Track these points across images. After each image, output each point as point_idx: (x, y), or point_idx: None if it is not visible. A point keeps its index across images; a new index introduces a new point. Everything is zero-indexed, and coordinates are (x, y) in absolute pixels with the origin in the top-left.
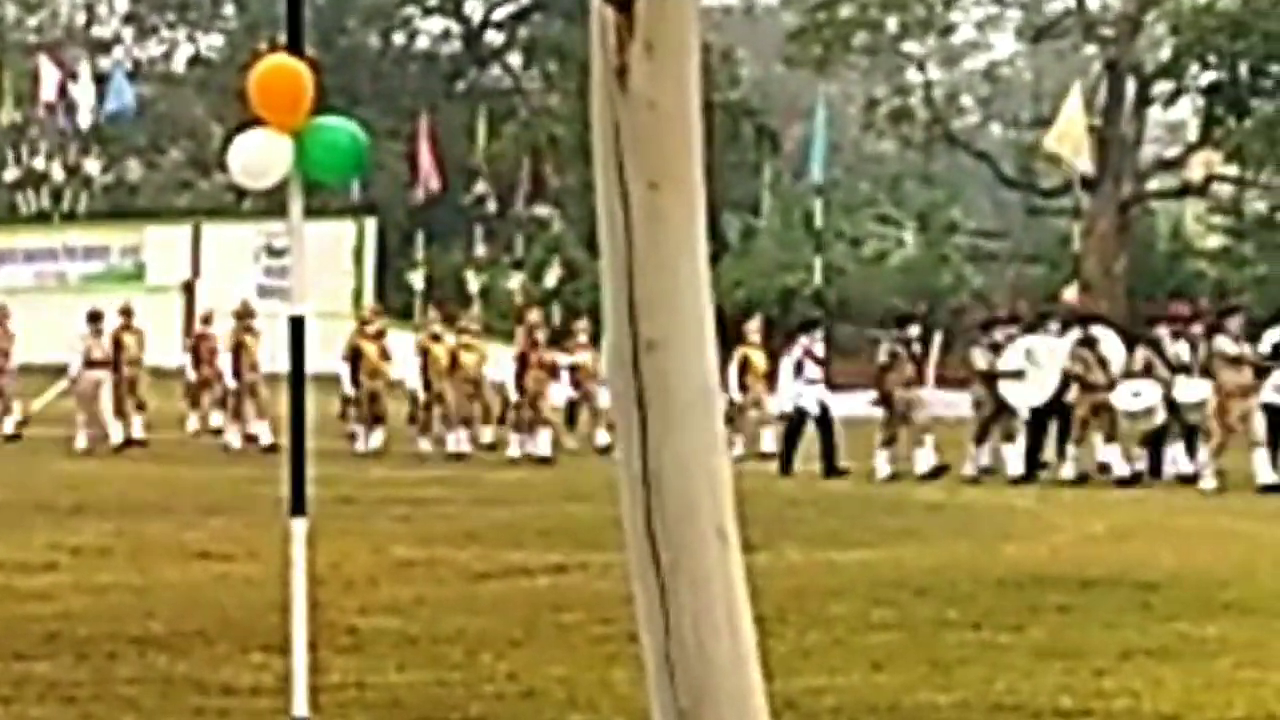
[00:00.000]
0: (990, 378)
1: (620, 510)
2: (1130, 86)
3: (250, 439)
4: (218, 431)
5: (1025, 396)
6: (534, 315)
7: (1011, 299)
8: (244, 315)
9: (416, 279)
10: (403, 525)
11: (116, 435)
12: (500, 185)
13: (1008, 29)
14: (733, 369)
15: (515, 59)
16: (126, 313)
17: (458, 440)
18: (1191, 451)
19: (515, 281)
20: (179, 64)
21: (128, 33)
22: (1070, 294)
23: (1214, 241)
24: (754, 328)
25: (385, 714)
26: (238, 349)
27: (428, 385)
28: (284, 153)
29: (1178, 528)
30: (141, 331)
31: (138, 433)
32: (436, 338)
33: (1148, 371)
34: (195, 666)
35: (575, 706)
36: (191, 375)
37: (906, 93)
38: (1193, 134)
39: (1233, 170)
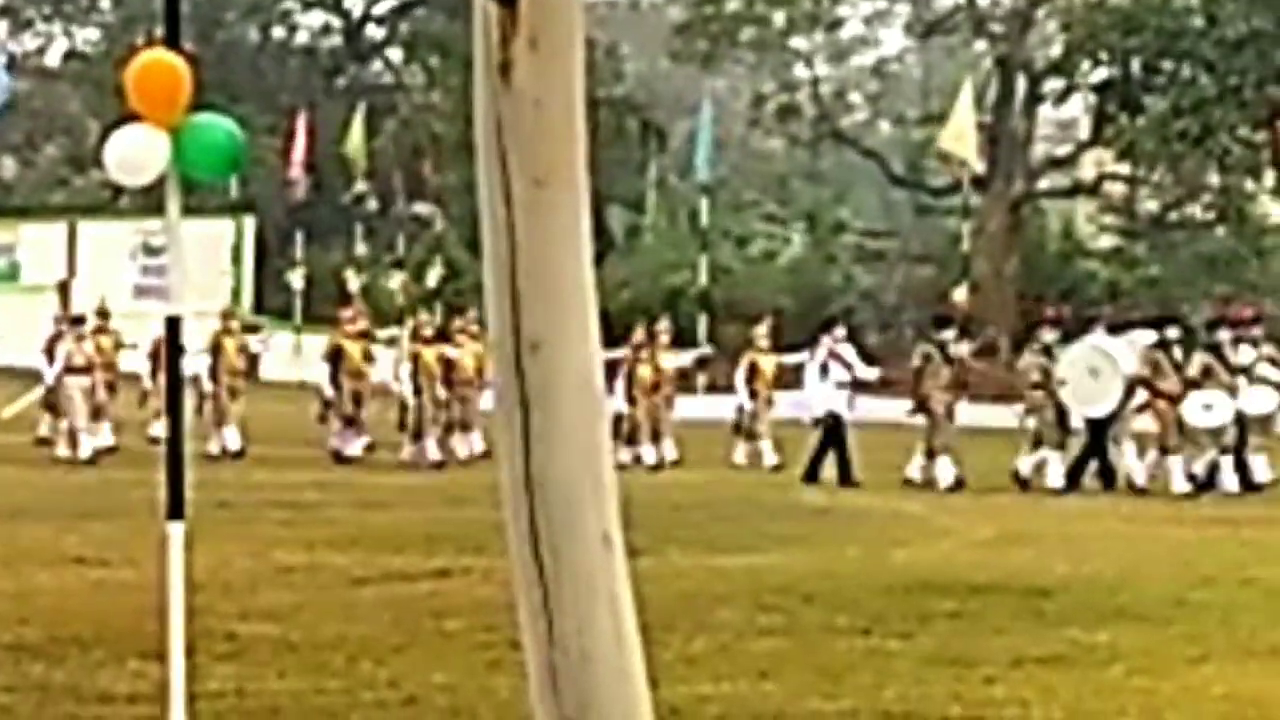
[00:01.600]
0: (1037, 385)
1: (504, 514)
2: (1021, 84)
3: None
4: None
5: (1087, 405)
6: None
7: (900, 299)
8: (100, 315)
9: (296, 278)
10: (283, 529)
11: (89, 444)
12: (381, 183)
13: (896, 25)
14: (740, 375)
15: (396, 54)
16: (103, 314)
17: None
18: (1242, 465)
19: (396, 281)
20: (54, 58)
21: (2, 26)
22: (960, 294)
23: (1106, 241)
24: (762, 331)
25: None
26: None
27: (418, 391)
28: (161, 149)
29: (1069, 533)
30: (118, 332)
31: (108, 439)
32: (429, 340)
33: (1207, 376)
34: (71, 674)
35: (457, 714)
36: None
37: (794, 89)
38: (1084, 132)
39: (1125, 169)
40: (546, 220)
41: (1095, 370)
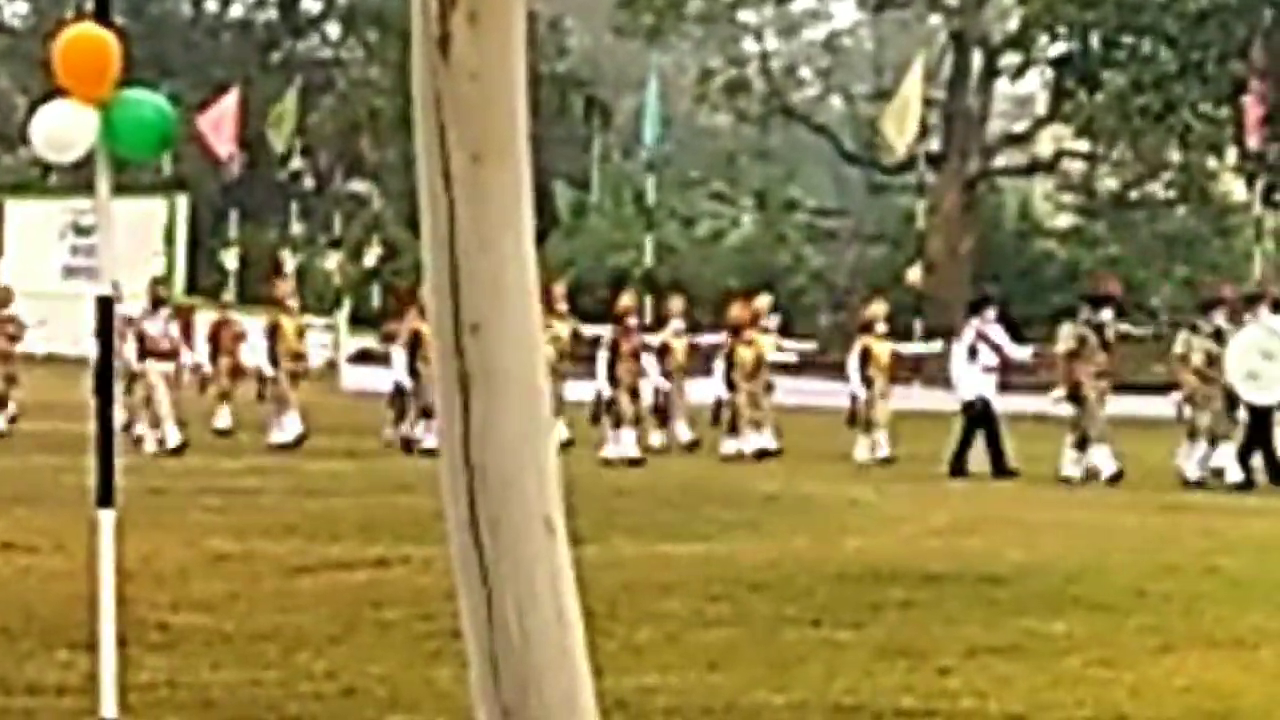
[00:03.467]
0: (1201, 372)
1: (443, 501)
2: (976, 58)
3: None
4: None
5: (1259, 391)
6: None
7: (852, 279)
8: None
9: (230, 258)
10: (217, 517)
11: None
12: (317, 160)
13: None
14: (853, 361)
15: (333, 28)
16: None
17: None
18: None
19: (333, 261)
20: None
21: None
22: (914, 275)
23: (1064, 220)
24: (879, 312)
25: (198, 714)
26: None
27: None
28: (89, 126)
29: (1025, 520)
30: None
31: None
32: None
33: None
34: None
35: (396, 706)
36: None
37: (742, 64)
38: (1041, 108)
39: (1083, 146)
40: (487, 198)
41: (1269, 354)
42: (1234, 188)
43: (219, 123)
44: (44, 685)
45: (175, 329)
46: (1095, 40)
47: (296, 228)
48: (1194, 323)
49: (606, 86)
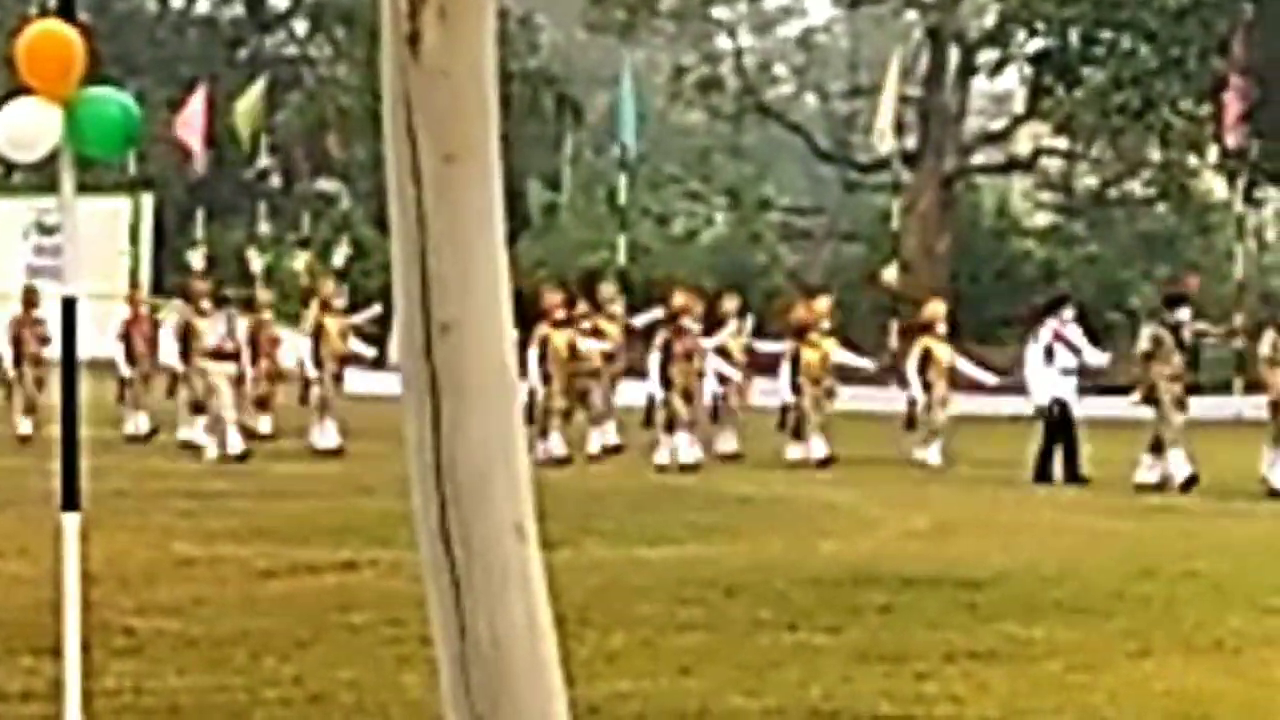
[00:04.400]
0: None
1: (412, 504)
2: (953, 55)
3: None
4: None
5: None
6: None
7: (827, 279)
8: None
9: (196, 258)
10: (183, 520)
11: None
12: (285, 159)
13: None
14: (912, 363)
15: (301, 25)
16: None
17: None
18: None
19: (301, 261)
20: None
21: None
22: (889, 274)
23: (1042, 219)
24: (939, 312)
25: None
26: None
27: (546, 379)
28: (53, 124)
29: (1004, 523)
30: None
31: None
32: (559, 324)
33: None
34: None
35: (364, 712)
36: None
37: (716, 61)
38: (1019, 105)
39: (1062, 143)
40: (457, 197)
41: None
42: (1214, 185)
43: (191, 121)
44: (8, 692)
45: (242, 329)
46: (1074, 36)
47: (264, 227)
48: None
49: (578, 84)
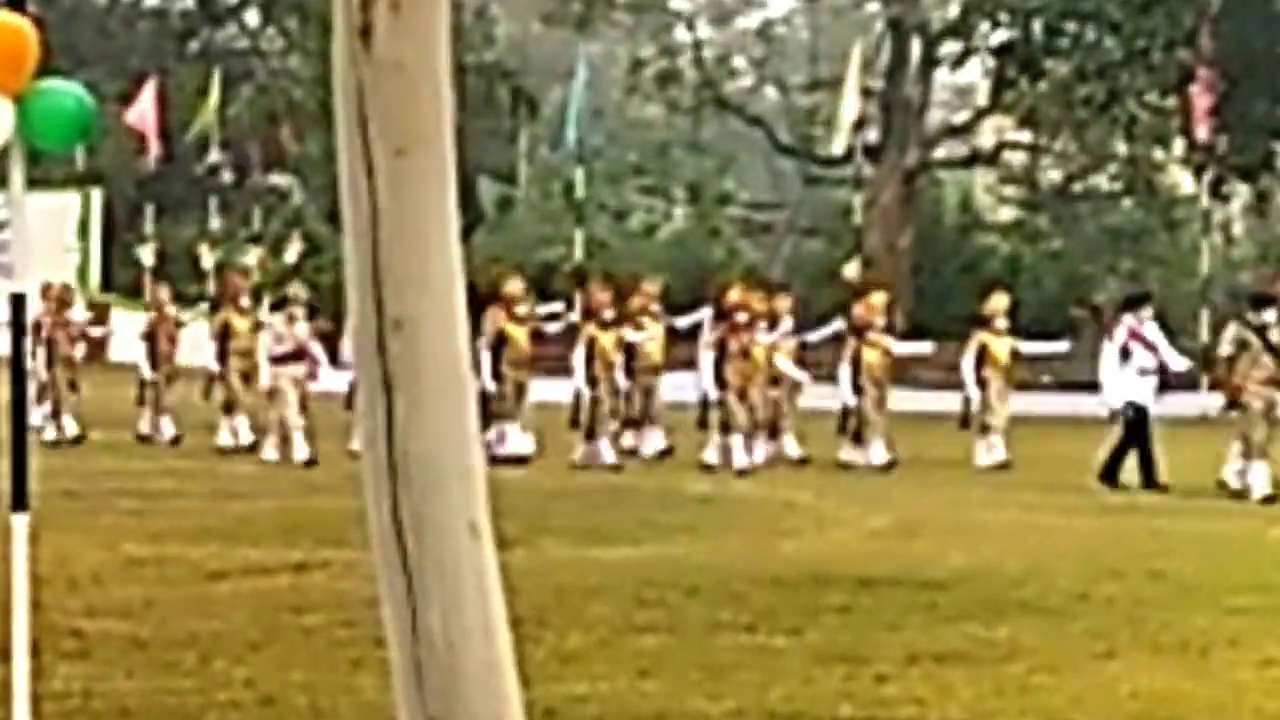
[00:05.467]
0: None
1: (365, 504)
2: (915, 47)
3: None
4: None
5: None
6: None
7: (788, 274)
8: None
9: (146, 254)
10: (132, 520)
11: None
12: (236, 153)
13: None
14: (968, 360)
15: (252, 17)
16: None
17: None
18: None
19: (252, 257)
20: None
21: None
22: (851, 270)
23: (1006, 214)
24: (1000, 306)
25: None
26: None
27: (593, 381)
28: (4, 117)
29: (968, 522)
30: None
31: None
32: (605, 324)
33: None
34: None
35: (317, 714)
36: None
37: (674, 53)
38: (982, 98)
39: (1026, 137)
40: (410, 192)
41: None
42: (1181, 180)
43: (145, 116)
44: None
45: (304, 330)
46: (1037, 28)
47: (215, 222)
48: None
49: (534, 77)
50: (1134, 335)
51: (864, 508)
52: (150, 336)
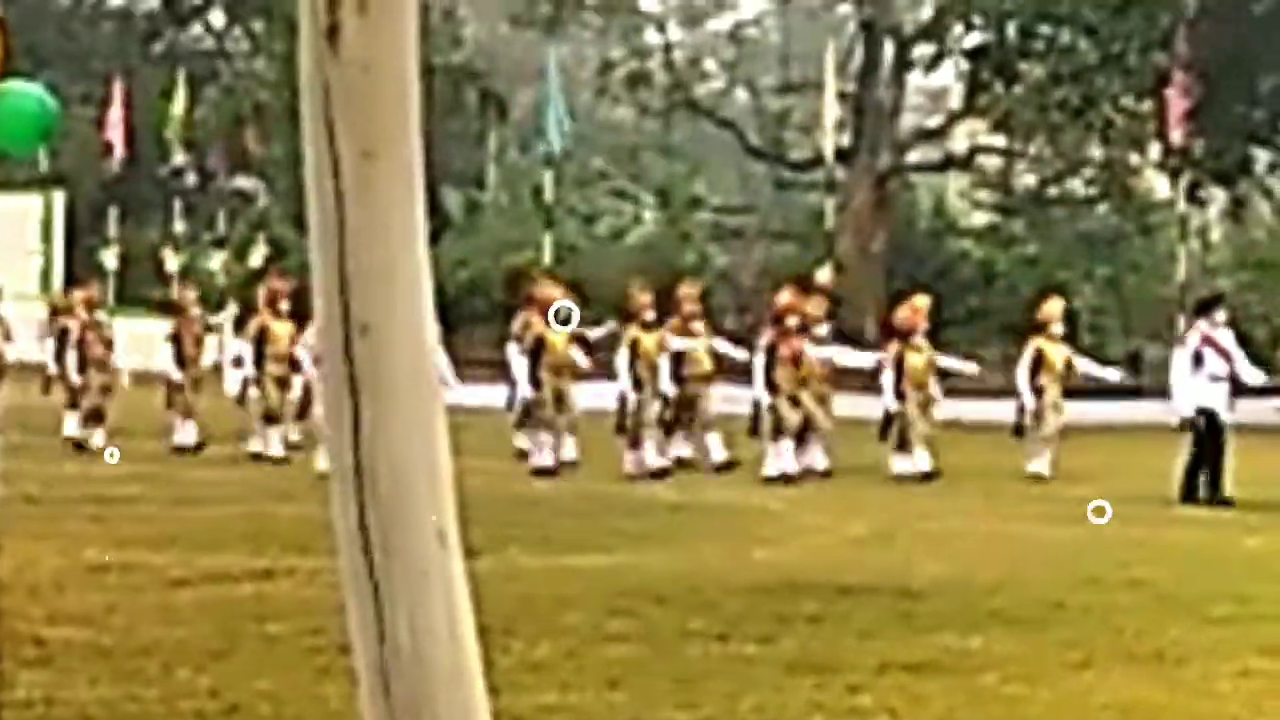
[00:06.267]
0: None
1: (331, 511)
2: (888, 50)
3: None
4: None
5: None
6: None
7: (759, 280)
8: None
9: (109, 257)
10: (94, 526)
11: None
12: (201, 156)
13: None
14: (1023, 367)
15: (218, 18)
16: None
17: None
18: None
19: (217, 261)
20: None
21: None
22: (823, 275)
23: (980, 218)
24: (1055, 311)
25: None
26: None
27: (638, 384)
28: None
29: (943, 531)
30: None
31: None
32: (648, 325)
33: None
34: None
35: None
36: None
37: (644, 55)
38: (956, 101)
39: (1000, 141)
40: (377, 195)
41: None
42: (1157, 184)
43: (117, 121)
44: None
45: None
46: (1012, 31)
47: (179, 226)
48: None
49: (502, 79)
50: (1207, 340)
51: (837, 516)
52: (176, 339)
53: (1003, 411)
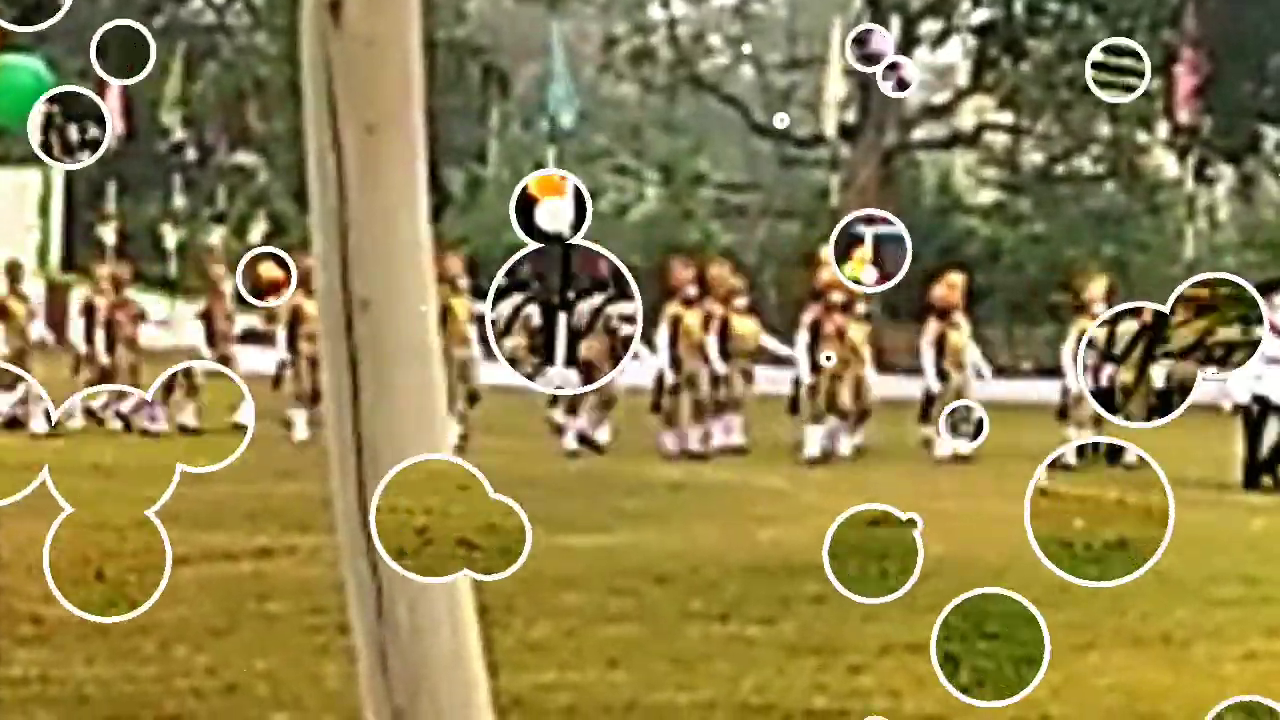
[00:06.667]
0: None
1: (331, 488)
2: (894, 25)
3: None
4: None
5: None
6: None
7: (763, 257)
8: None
9: (108, 233)
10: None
11: None
12: (201, 131)
13: None
14: (1068, 348)
15: None
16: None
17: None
18: None
19: (217, 236)
20: None
21: None
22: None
23: (986, 196)
24: (1098, 292)
25: (71, 711)
26: None
27: (676, 364)
28: None
29: (946, 511)
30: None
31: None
32: (690, 301)
33: None
34: None
35: (280, 704)
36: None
37: (648, 31)
38: (963, 78)
39: (1007, 118)
40: (379, 170)
41: None
42: (1165, 163)
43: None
44: None
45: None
46: (1020, 6)
47: (179, 201)
48: None
49: (505, 54)
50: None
51: (840, 495)
52: (206, 316)
53: (1008, 390)
